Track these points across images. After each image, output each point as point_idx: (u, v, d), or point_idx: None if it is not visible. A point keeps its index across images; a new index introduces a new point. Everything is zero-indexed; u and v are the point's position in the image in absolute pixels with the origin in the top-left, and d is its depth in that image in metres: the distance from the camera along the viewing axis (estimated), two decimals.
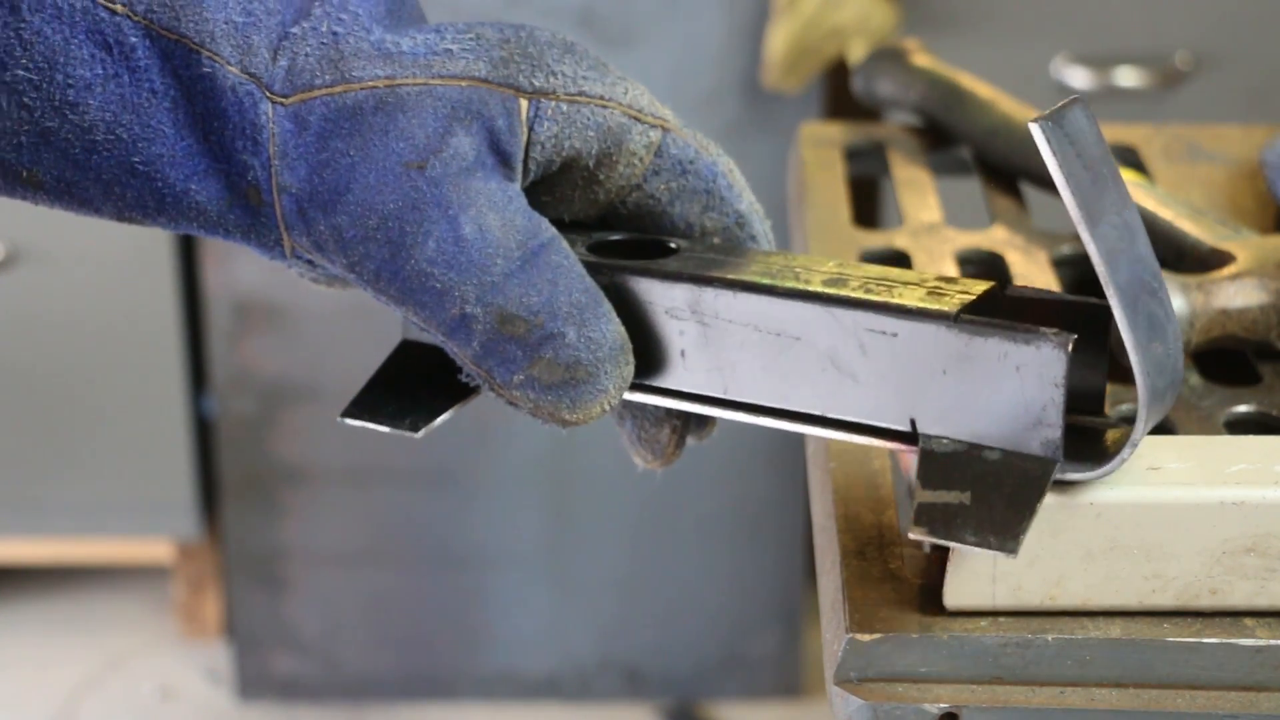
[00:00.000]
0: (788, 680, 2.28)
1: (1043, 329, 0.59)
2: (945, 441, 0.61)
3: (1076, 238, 0.88)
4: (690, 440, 0.71)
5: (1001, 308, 0.62)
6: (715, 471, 2.18)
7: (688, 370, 0.65)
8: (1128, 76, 2.03)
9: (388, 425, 0.66)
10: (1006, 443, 0.60)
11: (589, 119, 0.64)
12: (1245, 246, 0.79)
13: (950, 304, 0.61)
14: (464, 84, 0.62)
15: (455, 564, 2.22)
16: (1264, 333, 0.77)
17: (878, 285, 0.62)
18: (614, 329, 0.63)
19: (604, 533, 2.21)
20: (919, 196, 0.97)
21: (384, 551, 2.22)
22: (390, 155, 0.62)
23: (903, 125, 1.07)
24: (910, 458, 0.63)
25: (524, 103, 0.63)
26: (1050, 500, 0.60)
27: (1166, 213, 0.84)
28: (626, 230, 0.67)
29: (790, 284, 0.63)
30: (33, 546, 2.32)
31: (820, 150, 1.03)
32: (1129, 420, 0.61)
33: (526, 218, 0.63)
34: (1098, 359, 0.61)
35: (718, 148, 0.67)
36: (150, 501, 2.25)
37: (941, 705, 0.61)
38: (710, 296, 0.64)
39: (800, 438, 0.70)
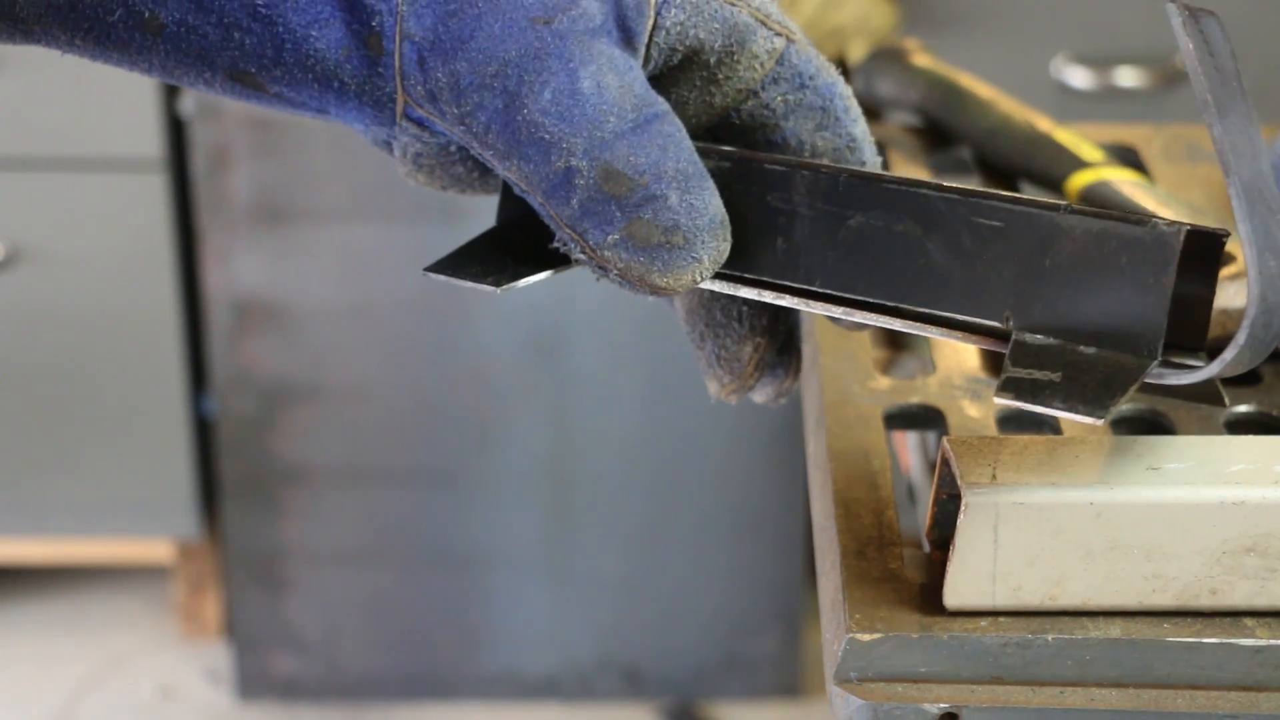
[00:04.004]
0: (788, 680, 2.28)
1: (1155, 217, 0.57)
2: (1040, 337, 0.59)
3: None
4: (768, 388, 0.69)
5: (1115, 215, 0.60)
6: (715, 471, 2.18)
7: (786, 262, 0.64)
8: (1128, 76, 2.03)
9: (470, 280, 0.65)
10: (1104, 341, 0.58)
11: (716, 12, 0.64)
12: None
13: (1064, 199, 0.59)
14: None
15: (455, 564, 2.22)
16: None
17: (984, 185, 0.61)
18: (716, 201, 0.63)
19: (604, 533, 2.21)
20: None
21: (384, 551, 2.22)
22: (518, 8, 0.61)
23: (903, 125, 1.07)
24: (911, 458, 0.62)
25: None
26: (1051, 500, 0.60)
27: (1166, 213, 0.84)
28: (737, 146, 0.67)
29: (900, 176, 0.62)
30: (33, 546, 2.32)
31: None
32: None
33: (644, 87, 0.62)
34: (1205, 288, 0.59)
35: (838, 72, 0.67)
36: (150, 501, 2.25)
37: (941, 705, 0.61)
38: (814, 182, 0.63)
39: (800, 438, 0.70)
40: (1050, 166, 0.94)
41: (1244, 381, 0.78)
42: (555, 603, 2.25)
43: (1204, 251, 0.59)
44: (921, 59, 1.07)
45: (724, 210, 0.63)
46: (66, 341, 2.19)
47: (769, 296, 0.65)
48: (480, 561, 2.22)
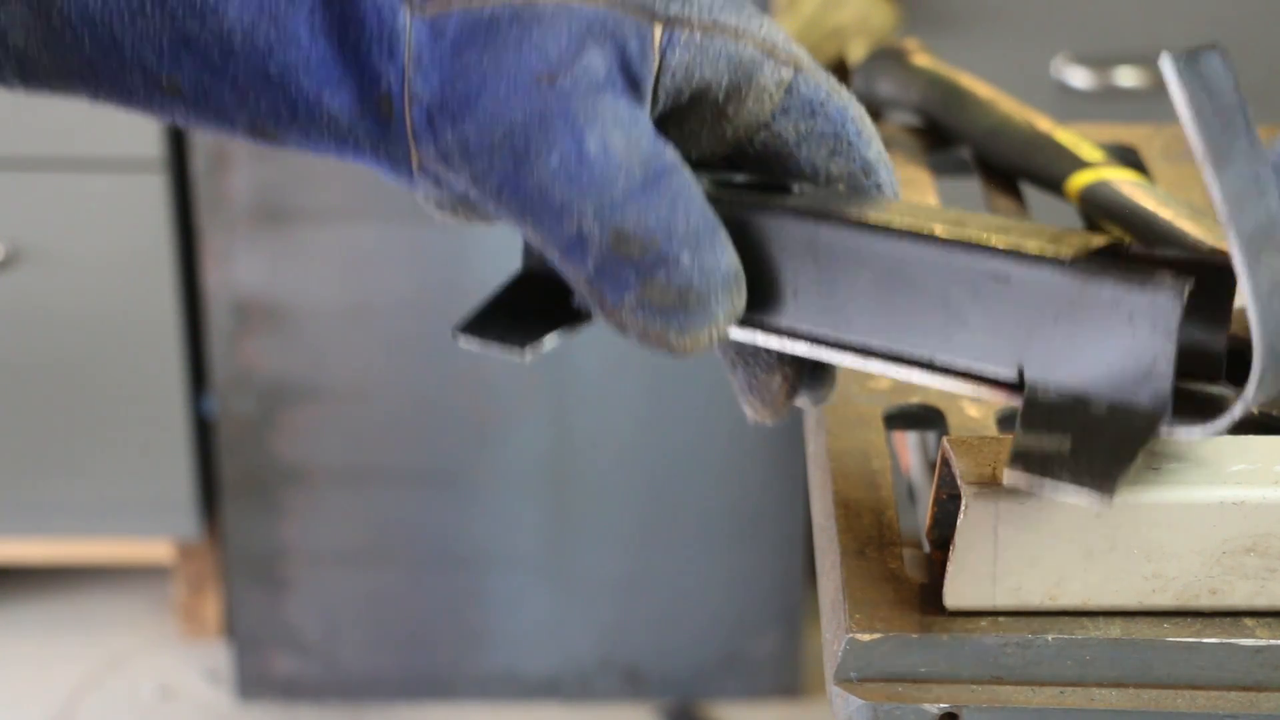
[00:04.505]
0: (788, 680, 2.29)
1: (1158, 274, 0.57)
2: (1051, 391, 0.60)
3: None
4: (805, 399, 0.70)
5: (1122, 264, 0.60)
6: (715, 471, 2.18)
7: (799, 309, 0.64)
8: (1128, 76, 2.03)
9: (496, 344, 0.66)
10: (1115, 394, 0.59)
11: (721, 50, 0.64)
12: None
13: (1066, 251, 0.59)
14: (600, 4, 0.62)
15: (455, 564, 2.22)
16: None
17: (997, 232, 0.61)
18: (729, 258, 0.63)
19: (604, 533, 2.21)
20: (919, 196, 0.97)
21: (384, 551, 2.22)
22: (522, 67, 0.62)
23: (903, 125, 1.07)
24: (911, 458, 0.63)
25: (658, 28, 0.63)
26: (1051, 500, 0.60)
27: (1166, 213, 0.84)
28: (751, 172, 0.67)
29: (907, 225, 0.62)
30: (33, 546, 2.32)
31: None
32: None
33: (651, 141, 0.62)
34: (1218, 321, 0.60)
35: (850, 94, 0.66)
36: (150, 501, 2.25)
37: (941, 705, 0.61)
38: (826, 234, 0.63)
39: (801, 438, 0.70)
40: (1050, 166, 0.94)
41: (1244, 381, 0.78)
42: (555, 603, 2.25)
43: (1214, 280, 0.59)
44: (921, 59, 1.07)
45: (738, 264, 0.63)
46: (66, 341, 2.19)
47: (784, 344, 0.65)
48: (480, 561, 2.22)
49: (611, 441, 2.16)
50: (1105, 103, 2.02)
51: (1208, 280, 0.59)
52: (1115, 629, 0.62)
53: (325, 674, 2.28)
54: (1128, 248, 0.61)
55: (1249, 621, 0.62)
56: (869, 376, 0.78)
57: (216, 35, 0.62)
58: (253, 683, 2.28)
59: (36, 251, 2.15)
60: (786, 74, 0.65)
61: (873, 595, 0.63)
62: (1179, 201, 0.86)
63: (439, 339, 2.12)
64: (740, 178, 0.66)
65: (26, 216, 2.14)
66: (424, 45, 0.62)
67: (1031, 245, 0.60)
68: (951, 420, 0.76)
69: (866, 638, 0.61)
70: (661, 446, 2.16)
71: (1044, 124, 0.97)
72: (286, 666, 2.27)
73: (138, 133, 2.10)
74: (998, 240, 0.61)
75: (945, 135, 1.03)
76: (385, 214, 2.07)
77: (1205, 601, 0.62)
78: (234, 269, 2.09)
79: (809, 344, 0.64)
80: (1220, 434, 0.59)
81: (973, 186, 1.00)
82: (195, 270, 2.17)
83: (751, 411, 0.70)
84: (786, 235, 0.64)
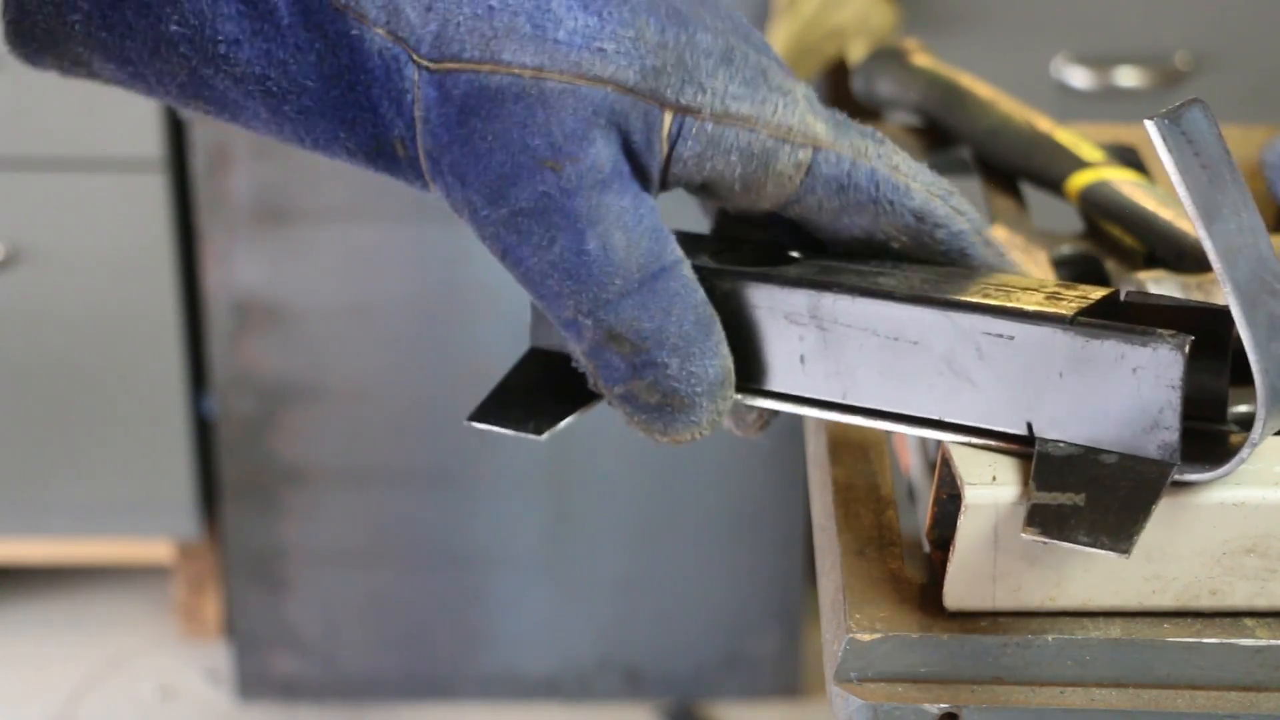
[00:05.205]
0: (788, 680, 2.29)
1: (1160, 331, 0.59)
2: (1062, 445, 0.61)
3: (1076, 237, 0.88)
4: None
5: (1120, 314, 0.62)
6: (715, 471, 2.18)
7: (807, 375, 0.66)
8: (1128, 76, 2.03)
9: (512, 429, 0.67)
10: (1124, 446, 0.60)
11: (733, 141, 0.63)
12: None
13: (1067, 307, 0.61)
14: (610, 89, 0.62)
15: (455, 564, 2.22)
16: None
17: (996, 290, 0.62)
18: (717, 364, 0.63)
19: (604, 533, 2.21)
20: None
21: (384, 551, 2.22)
22: (526, 149, 0.61)
23: (903, 125, 1.07)
24: (911, 458, 0.63)
25: (668, 118, 0.62)
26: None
27: (1166, 213, 0.84)
28: (798, 231, 0.67)
29: (907, 289, 0.63)
30: (33, 546, 2.32)
31: None
32: (1250, 424, 0.60)
33: (653, 239, 0.62)
34: (1219, 364, 0.61)
35: (880, 146, 0.66)
36: (150, 501, 2.25)
37: (941, 705, 0.61)
38: (829, 302, 0.64)
39: (801, 438, 0.70)
40: (1050, 166, 0.94)
41: (1244, 381, 0.78)
42: (555, 603, 2.25)
43: (1213, 328, 0.60)
44: (921, 59, 1.07)
45: (728, 367, 0.64)
46: (66, 341, 2.19)
47: (786, 408, 0.66)
48: (480, 561, 2.22)
49: (611, 441, 2.16)
50: (1105, 103, 2.02)
51: (1206, 323, 0.61)
52: (1115, 629, 0.62)
53: (325, 674, 2.28)
54: (1124, 298, 0.62)
55: (1249, 622, 0.62)
56: None
57: (232, 79, 0.63)
58: (253, 683, 2.28)
59: (36, 251, 2.15)
60: (804, 155, 0.64)
61: (873, 595, 0.63)
62: (1179, 201, 0.85)
63: (439, 339, 2.12)
64: (747, 254, 0.67)
65: (26, 216, 2.14)
66: (432, 102, 0.62)
67: (1030, 303, 0.61)
68: None
69: (866, 638, 0.61)
70: (661, 446, 2.16)
71: (1044, 124, 0.97)
72: (286, 666, 2.27)
73: (138, 133, 2.10)
74: (998, 300, 0.62)
75: (945, 135, 1.03)
76: (385, 214, 2.07)
77: (1205, 602, 0.62)
78: (234, 269, 2.09)
79: (817, 408, 0.66)
80: (1226, 476, 0.60)
81: (973, 186, 1.00)
82: (195, 270, 2.17)
83: (731, 429, 0.70)
84: (790, 305, 0.65)
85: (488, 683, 2.28)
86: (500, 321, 2.10)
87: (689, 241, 0.67)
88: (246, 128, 0.65)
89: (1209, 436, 0.61)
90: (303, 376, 2.14)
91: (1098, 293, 0.62)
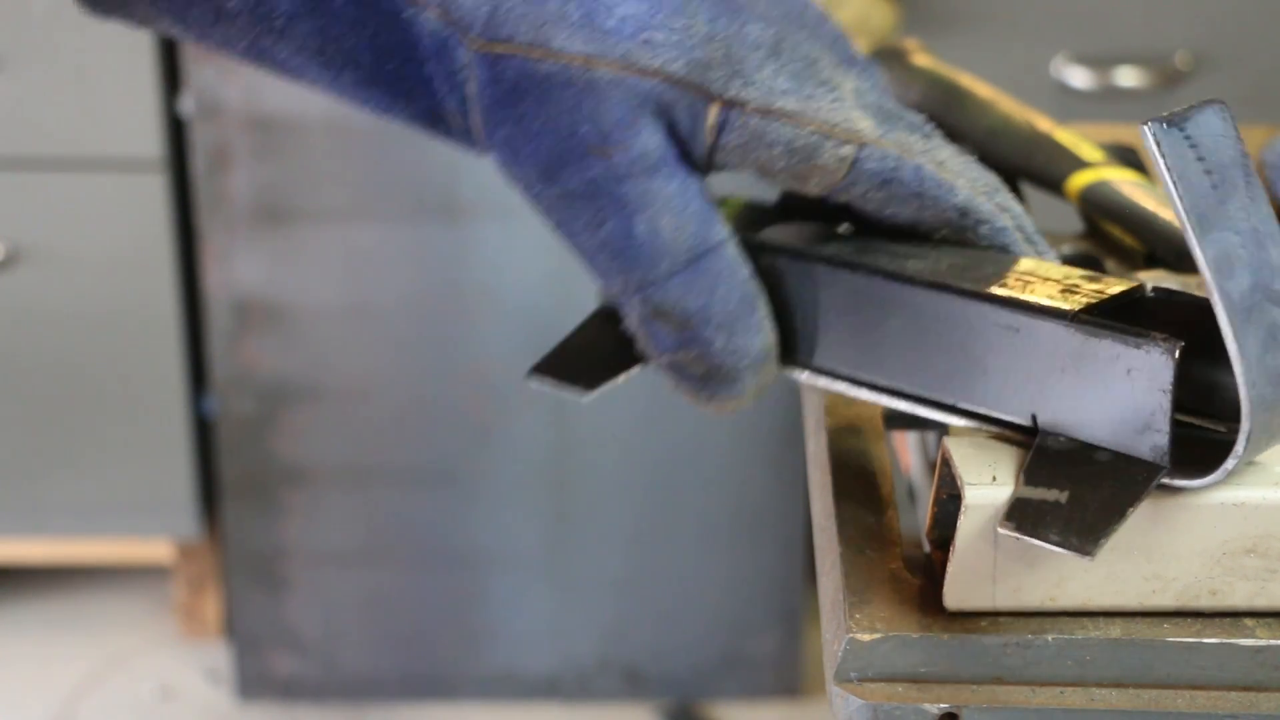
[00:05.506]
0: (788, 680, 2.28)
1: (1153, 334, 0.59)
2: (1061, 440, 0.62)
3: (1076, 237, 0.88)
4: None
5: (1144, 308, 0.62)
6: (715, 471, 2.18)
7: (830, 349, 0.67)
8: (1128, 76, 2.03)
9: (562, 385, 0.69)
10: (1118, 445, 0.61)
11: (777, 136, 0.64)
12: None
13: (1074, 302, 0.61)
14: (658, 80, 0.62)
15: (455, 564, 2.22)
16: None
17: (1016, 280, 0.63)
18: (761, 339, 0.65)
19: (604, 533, 2.21)
20: None
21: (384, 551, 2.22)
22: (575, 136, 0.62)
23: None
24: (911, 458, 0.63)
25: (714, 109, 0.63)
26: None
27: (1166, 213, 0.84)
28: (847, 213, 0.68)
29: (931, 274, 0.64)
30: (33, 546, 2.32)
31: None
32: None
33: (699, 220, 0.64)
34: (1215, 356, 0.61)
35: (927, 142, 0.66)
36: (150, 501, 2.25)
37: (941, 705, 0.61)
38: (860, 283, 0.65)
39: (800, 438, 0.71)
40: (1050, 166, 0.94)
41: None
42: (555, 603, 2.24)
43: (1210, 321, 0.60)
44: (921, 59, 1.07)
45: (771, 341, 0.65)
46: (66, 341, 2.19)
47: (821, 383, 0.68)
48: (480, 561, 2.22)
49: (611, 441, 2.16)
50: (1105, 103, 2.01)
51: (1201, 323, 0.60)
52: (1115, 629, 0.62)
53: (325, 674, 2.28)
54: (1149, 292, 0.63)
55: (1249, 622, 0.62)
56: None
57: (290, 50, 0.65)
58: (253, 683, 2.28)
59: (36, 251, 2.15)
60: (848, 151, 0.64)
61: (873, 595, 0.63)
62: None
63: (439, 339, 2.12)
64: (787, 234, 0.68)
65: (26, 216, 2.14)
66: (484, 82, 0.63)
67: (1041, 295, 0.62)
68: None
69: (866, 638, 0.61)
70: (661, 446, 2.16)
71: (1044, 124, 0.97)
72: (286, 666, 2.27)
73: (138, 133, 2.10)
74: (1013, 292, 0.62)
75: (945, 135, 1.03)
76: (385, 214, 2.07)
77: (1205, 602, 0.62)
78: (234, 269, 2.09)
79: (839, 381, 0.67)
80: (1216, 483, 0.60)
81: None
82: (195, 270, 2.17)
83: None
84: (827, 284, 0.66)
85: (488, 683, 2.28)
86: (500, 321, 2.10)
87: (752, 212, 0.69)
88: (312, 88, 0.67)
89: (1215, 442, 0.61)
90: (303, 376, 2.14)
91: (1117, 286, 0.63)
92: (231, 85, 2.01)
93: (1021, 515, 0.59)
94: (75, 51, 2.06)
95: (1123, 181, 0.89)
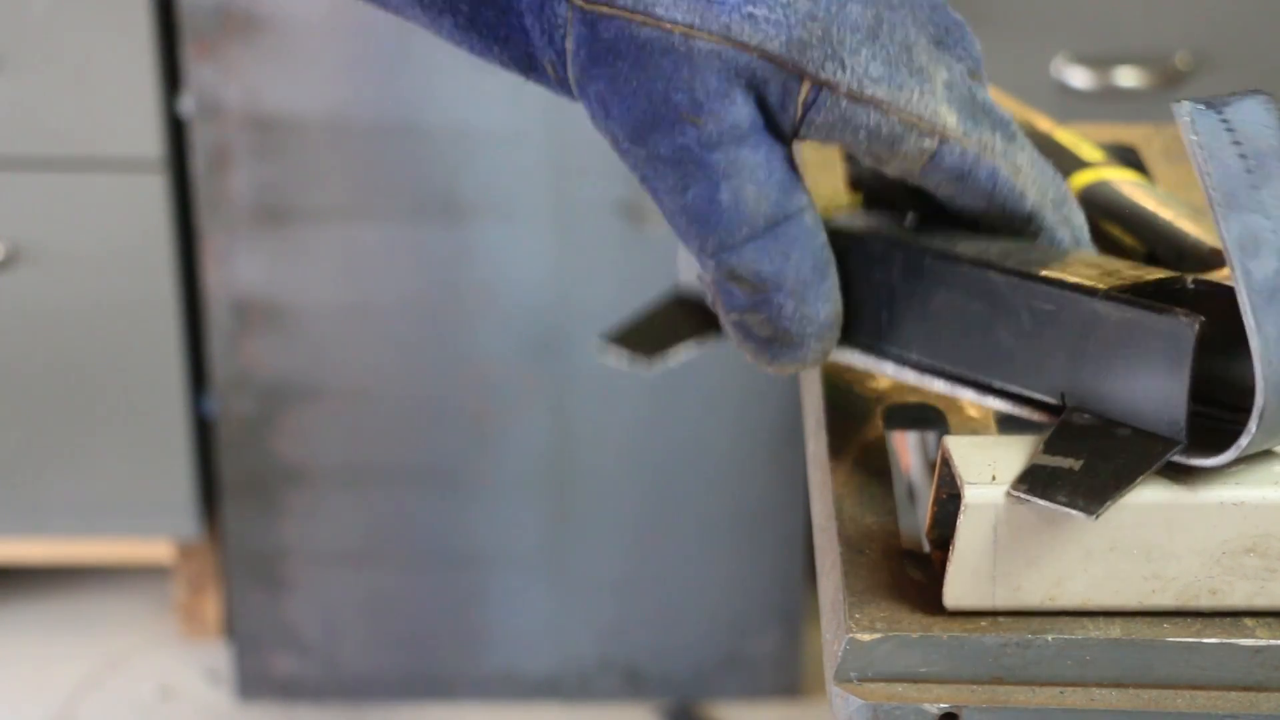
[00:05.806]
0: (788, 680, 2.28)
1: (1175, 309, 0.60)
2: (1085, 416, 0.63)
3: None
4: None
5: (1183, 299, 0.63)
6: (715, 471, 2.18)
7: (884, 331, 0.69)
8: (1128, 76, 2.03)
9: (627, 356, 0.73)
10: (1138, 421, 0.62)
11: (864, 120, 0.65)
12: None
13: (1108, 283, 0.62)
14: (755, 55, 0.63)
15: (455, 564, 2.22)
16: None
17: (1060, 265, 0.65)
18: (829, 308, 0.66)
19: (604, 533, 2.21)
20: None
21: (384, 551, 2.22)
22: (669, 103, 0.63)
23: None
24: (911, 458, 0.63)
25: (806, 86, 0.64)
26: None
27: (1166, 213, 0.84)
28: (921, 197, 0.70)
29: (974, 254, 0.66)
30: (33, 546, 2.32)
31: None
32: None
33: (781, 189, 0.65)
34: (1236, 343, 0.61)
35: (1008, 144, 0.67)
36: (150, 501, 2.25)
37: (941, 705, 0.61)
38: (907, 259, 0.68)
39: (800, 438, 0.71)
40: None
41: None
42: (555, 603, 2.25)
43: (1231, 306, 0.60)
44: None
45: (838, 310, 0.67)
46: (66, 341, 2.19)
47: (868, 362, 0.70)
48: (480, 561, 2.22)
49: (611, 441, 2.16)
50: (1105, 103, 2.02)
51: (1222, 308, 0.61)
52: (1115, 629, 0.62)
53: (325, 674, 2.28)
54: (1189, 284, 0.64)
55: (1249, 621, 0.62)
56: (869, 375, 0.78)
57: None
58: (253, 683, 2.28)
59: (36, 251, 2.15)
60: (930, 144, 0.66)
61: (873, 595, 0.63)
62: (1179, 201, 0.85)
63: (439, 339, 2.12)
64: (851, 217, 0.71)
65: (26, 216, 2.14)
66: (581, 41, 0.64)
67: (1078, 278, 0.63)
68: (951, 420, 0.76)
69: (866, 638, 0.61)
70: (661, 446, 2.16)
71: (1044, 124, 0.97)
72: (286, 666, 2.27)
73: (138, 133, 2.10)
74: (1049, 272, 0.64)
75: None
76: (385, 214, 2.07)
77: (1205, 602, 0.62)
78: (234, 269, 2.09)
79: (891, 363, 0.69)
80: (1228, 463, 0.60)
81: None
82: (195, 270, 2.17)
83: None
84: (880, 261, 0.68)
85: (488, 683, 2.28)
86: (500, 321, 2.10)
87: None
88: (413, 24, 0.68)
89: (1235, 433, 0.61)
90: (303, 376, 2.14)
91: (1156, 274, 0.64)
92: (231, 85, 2.01)
93: (1033, 479, 0.60)
94: (75, 51, 2.06)
95: (1123, 181, 0.89)
